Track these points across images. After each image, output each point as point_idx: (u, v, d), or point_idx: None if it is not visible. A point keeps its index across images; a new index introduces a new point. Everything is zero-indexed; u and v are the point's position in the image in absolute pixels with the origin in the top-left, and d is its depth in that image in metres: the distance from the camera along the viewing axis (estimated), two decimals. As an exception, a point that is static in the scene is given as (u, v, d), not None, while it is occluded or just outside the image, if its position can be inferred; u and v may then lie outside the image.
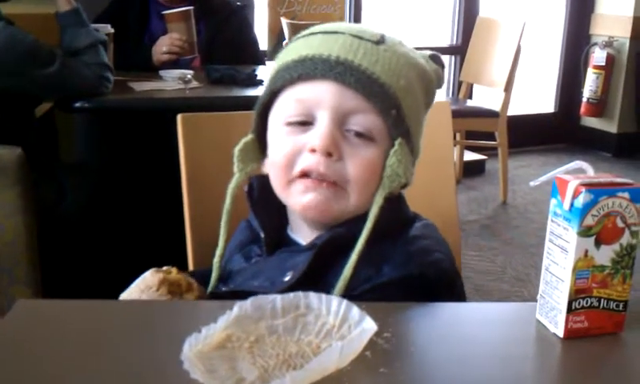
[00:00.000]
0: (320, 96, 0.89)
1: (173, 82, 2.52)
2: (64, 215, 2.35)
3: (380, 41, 0.91)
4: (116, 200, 2.47)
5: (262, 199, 0.97)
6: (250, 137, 0.98)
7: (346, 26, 0.94)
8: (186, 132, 1.26)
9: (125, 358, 0.70)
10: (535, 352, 0.77)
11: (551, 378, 0.73)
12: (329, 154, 0.88)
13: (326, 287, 0.83)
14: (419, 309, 0.83)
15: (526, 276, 3.05)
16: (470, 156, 4.65)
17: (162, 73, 2.61)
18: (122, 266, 2.38)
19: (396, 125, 0.89)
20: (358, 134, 0.89)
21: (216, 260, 0.99)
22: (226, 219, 0.98)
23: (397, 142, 0.89)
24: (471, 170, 4.58)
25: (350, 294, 0.83)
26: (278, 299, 0.74)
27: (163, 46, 2.71)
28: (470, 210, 3.94)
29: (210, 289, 0.98)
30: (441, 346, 0.75)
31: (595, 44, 5.09)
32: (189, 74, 2.53)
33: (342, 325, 0.72)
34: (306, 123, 0.90)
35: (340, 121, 0.89)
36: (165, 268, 0.94)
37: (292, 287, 0.86)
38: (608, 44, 5.00)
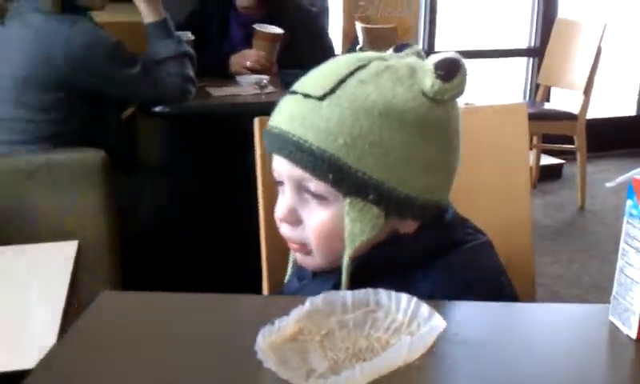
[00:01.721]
0: (278, 167, 0.93)
1: (249, 87, 2.58)
2: (143, 217, 2.43)
3: (327, 93, 0.88)
4: (193, 203, 2.53)
5: None
6: None
7: (310, 76, 0.93)
8: (262, 135, 1.29)
9: (201, 347, 0.73)
10: (607, 353, 0.76)
11: (623, 379, 0.72)
12: (288, 223, 0.94)
13: None
14: (490, 308, 0.84)
15: (603, 283, 2.98)
16: (546, 160, 4.56)
17: (239, 78, 2.67)
18: (198, 267, 2.45)
19: (340, 185, 0.87)
20: (313, 195, 0.91)
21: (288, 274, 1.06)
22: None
23: (346, 203, 0.88)
24: (548, 174, 4.49)
25: None
26: (349, 295, 0.76)
27: (247, 60, 2.77)
28: (545, 215, 3.87)
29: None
30: (510, 344, 0.75)
31: (680, 45, 4.93)
32: (265, 79, 2.58)
33: (411, 322, 0.73)
34: (283, 183, 0.94)
35: (298, 187, 0.92)
36: None
37: None
38: (694, 45, 4.84)
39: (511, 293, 0.96)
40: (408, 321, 0.73)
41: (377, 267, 0.91)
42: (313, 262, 0.95)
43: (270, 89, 2.55)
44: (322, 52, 3.04)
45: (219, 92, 2.55)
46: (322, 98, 0.88)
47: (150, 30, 2.34)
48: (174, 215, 2.49)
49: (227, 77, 2.76)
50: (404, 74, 0.90)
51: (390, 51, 0.98)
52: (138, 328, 0.78)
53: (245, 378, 0.67)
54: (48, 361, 0.71)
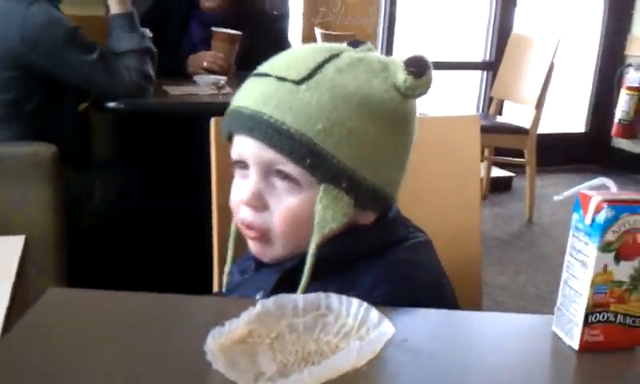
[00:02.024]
0: (243, 150, 0.91)
1: (206, 87, 2.57)
2: (93, 212, 2.39)
3: (305, 78, 0.88)
4: (145, 200, 2.51)
5: None
6: None
7: (282, 60, 0.93)
8: (218, 136, 1.29)
9: (150, 347, 0.72)
10: (550, 363, 0.78)
11: (565, 389, 0.74)
12: (254, 207, 0.91)
13: None
14: (437, 315, 0.85)
15: (548, 294, 3.04)
16: (497, 172, 4.64)
17: (197, 78, 2.66)
18: (147, 264, 2.43)
19: (316, 171, 0.87)
20: (284, 178, 0.89)
21: (224, 277, 1.04)
22: (233, 239, 1.03)
23: (321, 189, 0.88)
24: (498, 187, 4.57)
25: None
26: (300, 299, 0.76)
27: (204, 61, 2.76)
28: (494, 227, 3.93)
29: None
30: (456, 353, 0.77)
31: (630, 65, 5.06)
32: (222, 79, 2.58)
33: (361, 327, 0.73)
34: (246, 167, 0.92)
35: (266, 170, 0.90)
36: None
37: None
38: (643, 66, 4.97)
39: (451, 293, 0.97)
40: (358, 325, 0.74)
41: (324, 261, 0.89)
42: (271, 252, 0.93)
43: (227, 90, 2.54)
44: (242, 56, 3.06)
45: (176, 91, 2.53)
46: (299, 82, 0.88)
47: (114, 21, 2.32)
48: (125, 211, 2.46)
49: (184, 76, 2.75)
50: (377, 67, 0.92)
51: (344, 45, 0.97)
52: (84, 326, 0.77)
53: (193, 379, 0.67)
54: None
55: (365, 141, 0.89)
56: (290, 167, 0.88)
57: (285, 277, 0.92)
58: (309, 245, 0.89)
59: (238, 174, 0.95)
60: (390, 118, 0.91)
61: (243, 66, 2.86)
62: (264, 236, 0.92)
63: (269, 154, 0.88)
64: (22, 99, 2.22)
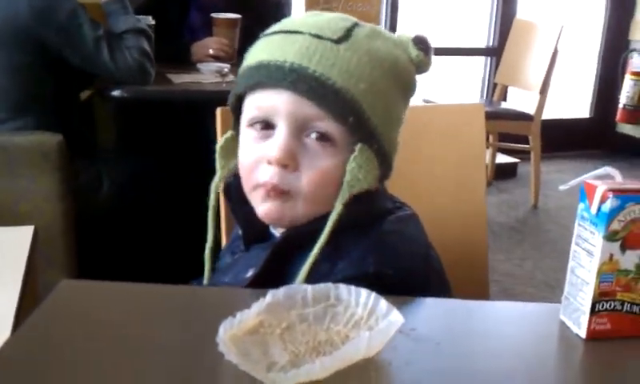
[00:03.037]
0: (276, 104, 0.88)
1: (210, 74, 2.57)
2: (101, 201, 2.41)
3: (342, 38, 0.88)
4: (152, 188, 2.52)
5: (242, 196, 0.95)
6: (229, 133, 0.98)
7: (308, 22, 0.91)
8: (224, 124, 1.29)
9: (163, 338, 0.73)
10: (558, 351, 0.79)
11: (572, 378, 0.75)
12: (284, 166, 0.88)
13: (284, 284, 0.80)
14: (445, 304, 0.86)
15: (555, 281, 3.05)
16: (502, 158, 4.64)
17: (200, 66, 2.66)
18: (156, 251, 2.44)
19: (356, 130, 0.87)
20: (319, 138, 0.88)
21: (206, 253, 0.99)
22: (212, 215, 0.98)
23: (357, 148, 0.87)
24: (503, 173, 4.56)
25: None
26: (309, 289, 0.77)
27: (209, 48, 2.76)
28: (500, 213, 3.94)
29: (205, 283, 0.99)
30: (465, 340, 0.78)
31: (634, 50, 5.04)
32: (226, 67, 2.58)
33: (370, 316, 0.74)
34: (268, 126, 0.89)
35: (299, 128, 0.88)
36: None
37: (253, 283, 0.89)
38: (647, 50, 4.96)
39: (437, 264, 0.97)
40: (367, 315, 0.74)
41: (317, 231, 0.87)
42: (291, 213, 0.90)
43: (231, 77, 2.55)
44: (244, 43, 3.05)
45: (180, 79, 2.54)
46: (337, 41, 0.88)
47: (107, 6, 2.36)
48: (132, 200, 2.47)
49: (188, 64, 2.75)
50: (394, 39, 0.95)
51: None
52: (98, 318, 0.78)
53: (206, 370, 0.68)
54: (5, 352, 0.70)
55: (391, 106, 0.91)
56: (328, 124, 0.87)
57: (276, 251, 0.91)
58: (329, 207, 0.88)
59: (256, 133, 0.91)
60: (407, 87, 0.94)
61: (244, 51, 2.85)
62: (285, 195, 0.89)
63: (308, 109, 0.86)
64: (35, 88, 2.26)
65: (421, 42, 0.94)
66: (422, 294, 0.86)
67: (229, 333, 0.68)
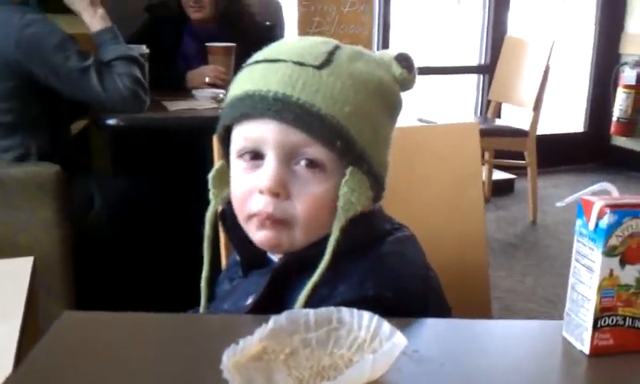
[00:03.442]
0: (263, 134, 0.88)
1: (205, 101, 2.58)
2: (95, 230, 2.40)
3: (324, 63, 0.88)
4: (147, 216, 2.51)
5: (238, 223, 0.95)
6: (220, 163, 0.98)
7: (289, 48, 0.92)
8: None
9: (167, 367, 0.73)
10: (561, 369, 0.79)
11: (577, 394, 0.75)
12: (276, 195, 0.88)
13: (285, 309, 0.80)
14: (448, 325, 0.86)
15: (556, 296, 3.05)
16: (499, 175, 4.65)
17: (195, 92, 2.67)
18: (152, 278, 2.43)
19: (344, 154, 0.88)
20: (309, 165, 0.88)
21: (202, 284, 1.00)
22: (208, 245, 0.99)
23: (347, 171, 0.88)
24: (500, 189, 4.57)
25: None
26: (311, 314, 0.77)
27: (206, 76, 2.78)
28: (498, 230, 3.94)
29: (201, 310, 1.00)
30: (469, 360, 0.77)
31: (625, 63, 5.08)
32: (221, 93, 2.59)
33: (373, 339, 0.74)
34: (257, 156, 0.90)
35: (287, 156, 0.88)
36: None
37: (253, 309, 0.89)
38: (638, 63, 4.98)
39: (436, 285, 0.97)
40: (370, 338, 0.74)
41: (318, 255, 0.88)
42: (289, 240, 0.90)
43: (227, 104, 2.55)
44: (237, 66, 3.06)
45: (175, 106, 2.54)
46: (320, 67, 0.88)
47: (98, 37, 2.36)
48: (127, 227, 2.47)
49: (183, 91, 2.76)
50: (376, 59, 0.95)
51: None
52: (101, 349, 0.77)
53: (211, 398, 0.68)
54: (10, 384, 0.70)
55: (378, 126, 0.91)
56: (316, 150, 0.87)
57: (275, 277, 0.91)
58: (326, 230, 0.88)
59: (245, 164, 0.91)
60: (393, 105, 0.94)
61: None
62: (282, 225, 0.89)
63: (295, 137, 0.87)
64: (20, 108, 2.27)
65: (404, 60, 0.95)
66: (421, 315, 0.86)
67: (232, 360, 0.68)
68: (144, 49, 2.52)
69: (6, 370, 0.94)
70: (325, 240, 0.88)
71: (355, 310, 0.77)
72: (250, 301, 0.91)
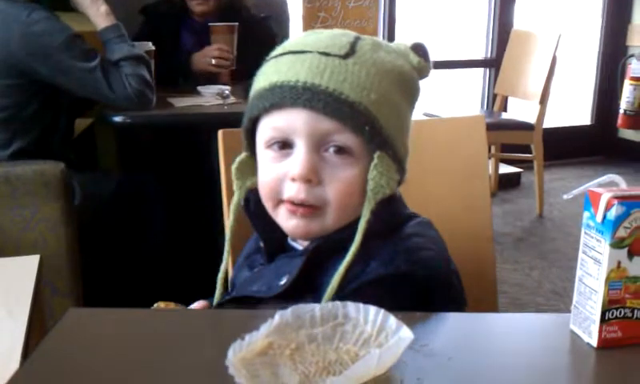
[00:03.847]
0: (293, 123, 0.91)
1: (211, 97, 2.58)
2: (101, 227, 2.41)
3: (348, 53, 0.91)
4: (154, 212, 2.52)
5: (261, 211, 0.99)
6: (243, 155, 1.01)
7: (313, 39, 0.94)
8: (226, 147, 1.30)
9: (172, 363, 0.73)
10: (569, 361, 0.79)
11: (585, 387, 0.75)
12: (308, 181, 0.91)
13: (318, 289, 0.89)
14: (454, 319, 0.85)
15: (563, 289, 3.04)
16: (505, 169, 4.64)
17: (201, 89, 2.66)
18: (161, 277, 2.44)
19: (372, 139, 0.90)
20: (338, 151, 0.91)
21: (220, 276, 1.02)
22: (229, 236, 1.02)
23: (375, 156, 0.91)
24: (507, 183, 4.56)
25: (339, 295, 0.87)
26: (317, 309, 0.76)
27: (210, 56, 2.80)
28: (505, 223, 3.93)
29: (215, 302, 1.01)
30: (476, 355, 0.77)
31: (632, 55, 5.05)
32: (226, 89, 2.59)
33: (379, 334, 0.74)
34: (286, 146, 0.93)
35: (317, 143, 0.91)
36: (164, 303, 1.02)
37: (287, 290, 0.92)
38: (645, 55, 4.96)
39: (456, 270, 1.00)
40: (376, 333, 0.74)
41: (342, 240, 0.91)
42: (319, 226, 0.93)
43: (232, 99, 2.55)
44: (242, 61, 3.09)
45: (181, 103, 2.54)
46: (345, 56, 0.91)
47: (103, 34, 2.35)
48: (136, 225, 2.47)
49: (191, 76, 2.80)
50: (394, 49, 0.97)
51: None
52: (107, 345, 0.78)
53: (216, 394, 0.67)
54: (16, 382, 0.70)
55: (401, 114, 0.94)
56: (345, 137, 0.90)
57: (310, 258, 0.94)
58: (356, 214, 0.92)
59: (274, 153, 0.94)
60: (412, 93, 0.97)
61: (235, 71, 2.91)
62: (313, 210, 0.92)
63: (325, 124, 0.89)
64: (21, 104, 2.26)
65: (420, 49, 0.97)
66: (445, 296, 0.93)
67: (238, 355, 0.68)
68: (150, 46, 2.53)
69: (13, 367, 0.94)
70: (354, 223, 0.91)
71: (361, 305, 0.77)
72: (284, 281, 0.94)
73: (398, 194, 1.00)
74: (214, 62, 2.80)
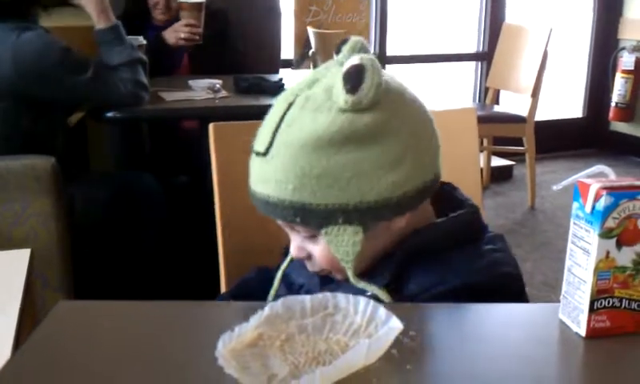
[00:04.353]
0: None
1: (202, 91, 2.57)
2: (93, 222, 2.40)
3: (267, 146, 0.92)
4: (147, 207, 2.51)
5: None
6: None
7: (259, 130, 0.95)
8: (217, 140, 1.30)
9: (162, 355, 0.73)
10: (558, 351, 0.79)
11: (574, 376, 0.75)
12: (303, 259, 1.00)
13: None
14: (444, 309, 0.86)
15: (555, 281, 3.05)
16: (497, 161, 4.65)
17: (192, 83, 2.66)
18: (153, 270, 2.44)
19: (309, 223, 0.92)
20: (305, 237, 0.97)
21: (279, 274, 1.06)
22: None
23: (322, 234, 0.92)
24: (499, 176, 4.57)
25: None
26: (307, 299, 0.77)
27: (179, 32, 2.91)
28: (497, 215, 3.94)
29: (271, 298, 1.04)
30: (465, 344, 0.77)
31: (623, 48, 5.06)
32: (217, 83, 2.58)
33: (369, 324, 0.74)
34: None
35: (293, 230, 0.97)
36: None
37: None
38: (637, 48, 4.97)
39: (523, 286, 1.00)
40: (366, 323, 0.74)
41: (415, 253, 0.94)
42: (343, 274, 0.96)
43: (223, 93, 2.55)
44: (234, 55, 3.14)
45: (172, 96, 2.53)
46: (265, 153, 0.92)
47: (101, 36, 2.31)
48: (125, 219, 2.47)
49: (166, 49, 2.90)
50: (321, 99, 0.91)
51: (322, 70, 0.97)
52: (96, 338, 0.77)
53: (206, 385, 0.68)
54: (6, 373, 0.70)
55: (338, 175, 0.89)
56: (298, 227, 0.95)
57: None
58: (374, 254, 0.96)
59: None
60: (350, 139, 0.89)
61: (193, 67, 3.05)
62: (327, 273, 0.99)
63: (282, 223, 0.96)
64: (12, 117, 2.22)
65: (347, 81, 0.88)
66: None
67: (228, 346, 0.68)
68: (141, 40, 2.52)
69: (3, 360, 0.94)
70: (405, 242, 0.96)
71: (351, 296, 0.77)
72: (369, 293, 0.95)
73: (474, 206, 1.02)
74: (182, 36, 2.89)
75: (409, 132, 0.93)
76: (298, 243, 0.98)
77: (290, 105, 0.92)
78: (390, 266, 0.94)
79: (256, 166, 0.94)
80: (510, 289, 0.95)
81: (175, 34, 2.92)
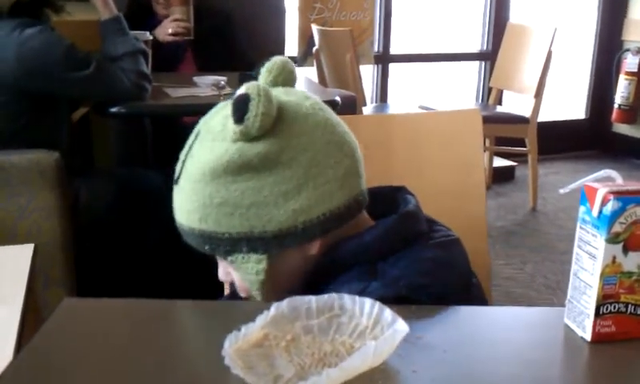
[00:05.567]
0: None
1: (207, 88, 2.58)
2: (97, 217, 2.40)
3: (178, 176, 0.94)
4: (151, 204, 2.51)
5: None
6: None
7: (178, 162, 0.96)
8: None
9: (168, 353, 0.73)
10: (563, 355, 0.79)
11: (578, 381, 0.75)
12: (228, 282, 1.01)
13: None
14: (450, 311, 0.86)
15: (556, 283, 3.05)
16: (499, 162, 4.64)
17: (196, 79, 2.66)
18: (155, 267, 2.44)
19: (216, 251, 0.93)
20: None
21: None
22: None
23: (228, 263, 0.94)
24: (501, 176, 4.57)
25: None
26: (313, 300, 0.77)
27: (169, 28, 2.95)
28: (499, 217, 3.94)
29: None
30: (470, 347, 0.77)
31: (627, 50, 5.06)
32: (222, 80, 2.58)
33: (375, 326, 0.74)
34: None
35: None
36: None
37: None
38: (640, 50, 4.97)
39: (480, 293, 0.98)
40: (372, 325, 0.74)
41: (342, 264, 0.93)
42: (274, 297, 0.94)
43: (228, 90, 2.55)
44: (239, 52, 3.18)
45: (177, 93, 2.54)
46: (176, 181, 0.95)
47: (105, 27, 2.33)
48: (130, 215, 2.47)
49: (159, 46, 2.87)
50: (217, 131, 0.91)
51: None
52: (101, 336, 0.78)
53: (212, 384, 0.68)
54: (10, 373, 0.70)
55: (237, 204, 0.89)
56: (216, 256, 0.96)
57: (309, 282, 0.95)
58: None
59: None
60: (245, 168, 0.88)
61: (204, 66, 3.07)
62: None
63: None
64: (17, 112, 2.22)
65: (233, 113, 0.88)
66: None
67: (234, 346, 0.68)
68: (147, 35, 2.54)
69: (6, 357, 0.94)
70: (319, 262, 0.94)
71: (357, 297, 0.77)
72: None
73: (409, 207, 0.97)
74: (170, 31, 2.92)
75: (308, 160, 0.90)
76: (223, 268, 0.99)
77: (197, 136, 0.95)
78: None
79: (173, 194, 0.96)
80: (440, 301, 0.88)
81: (164, 31, 2.95)
